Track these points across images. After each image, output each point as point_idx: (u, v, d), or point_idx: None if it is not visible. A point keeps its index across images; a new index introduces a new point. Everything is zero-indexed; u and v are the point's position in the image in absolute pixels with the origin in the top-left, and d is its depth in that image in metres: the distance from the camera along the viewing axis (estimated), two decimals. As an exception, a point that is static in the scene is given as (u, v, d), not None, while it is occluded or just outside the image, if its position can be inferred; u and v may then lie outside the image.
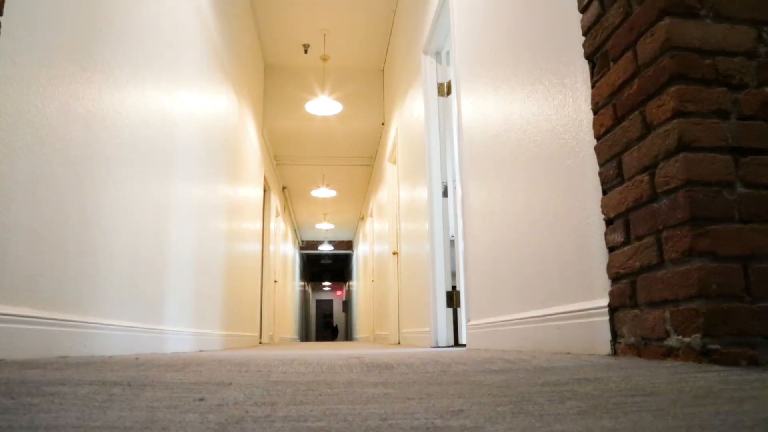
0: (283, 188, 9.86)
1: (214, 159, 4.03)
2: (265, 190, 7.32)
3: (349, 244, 16.04)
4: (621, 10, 1.34)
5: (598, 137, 1.46)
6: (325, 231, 14.31)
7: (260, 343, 6.89)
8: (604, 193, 1.43)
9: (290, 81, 6.77)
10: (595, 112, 1.47)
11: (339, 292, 25.30)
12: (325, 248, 15.97)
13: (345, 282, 23.15)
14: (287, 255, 11.06)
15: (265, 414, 0.58)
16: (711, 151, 1.13)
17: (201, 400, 0.68)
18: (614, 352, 1.37)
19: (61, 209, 1.82)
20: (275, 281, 8.43)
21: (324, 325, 20.74)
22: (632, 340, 1.28)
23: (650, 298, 1.21)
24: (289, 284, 11.75)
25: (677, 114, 1.14)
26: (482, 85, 2.65)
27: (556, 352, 1.67)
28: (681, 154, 1.13)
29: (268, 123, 6.74)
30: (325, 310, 22.87)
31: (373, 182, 8.93)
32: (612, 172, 1.38)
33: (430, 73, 4.15)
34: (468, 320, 2.86)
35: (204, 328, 3.69)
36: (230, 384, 0.86)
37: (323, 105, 6.24)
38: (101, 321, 2.09)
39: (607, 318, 1.41)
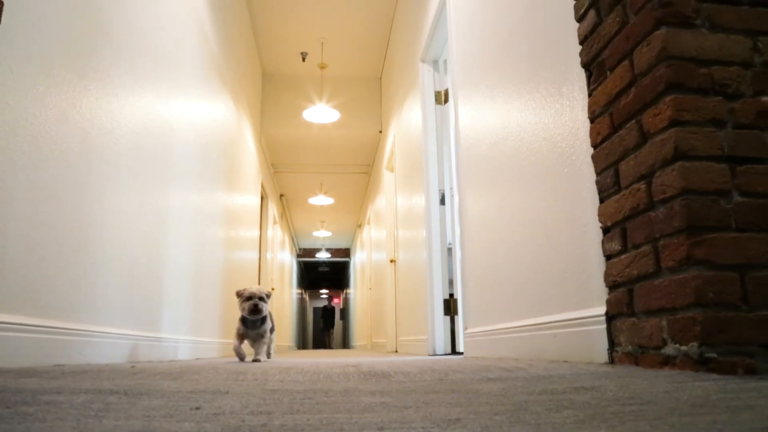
0: (281, 196, 9.86)
1: (211, 167, 4.03)
2: (262, 198, 7.32)
3: (346, 252, 16.02)
4: (617, 19, 1.35)
5: (594, 146, 1.47)
6: (323, 239, 14.30)
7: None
8: (601, 201, 1.43)
9: (288, 89, 6.79)
10: (592, 120, 1.48)
11: (336, 300, 25.26)
12: (323, 256, 15.94)
13: (342, 290, 23.09)
14: (284, 262, 11.05)
15: (261, 423, 0.58)
16: (707, 160, 1.14)
17: (197, 408, 0.68)
18: (611, 361, 1.37)
19: (58, 217, 1.81)
20: (272, 288, 8.41)
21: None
22: (629, 348, 1.28)
23: (647, 307, 1.21)
24: (287, 292, 11.73)
25: (674, 123, 1.15)
26: (480, 93, 2.66)
27: (553, 361, 1.67)
28: (677, 163, 1.13)
29: (266, 131, 6.75)
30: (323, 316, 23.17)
31: (370, 190, 8.94)
32: (609, 181, 1.39)
33: (427, 81, 4.17)
34: (465, 328, 2.86)
35: (201, 336, 3.68)
36: (227, 392, 0.86)
37: (321, 113, 6.25)
38: (98, 329, 2.08)
39: (604, 326, 1.41)
